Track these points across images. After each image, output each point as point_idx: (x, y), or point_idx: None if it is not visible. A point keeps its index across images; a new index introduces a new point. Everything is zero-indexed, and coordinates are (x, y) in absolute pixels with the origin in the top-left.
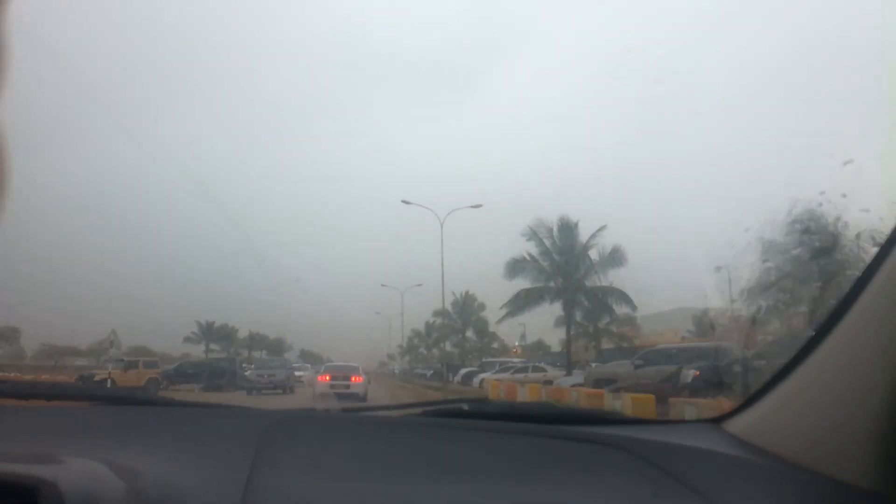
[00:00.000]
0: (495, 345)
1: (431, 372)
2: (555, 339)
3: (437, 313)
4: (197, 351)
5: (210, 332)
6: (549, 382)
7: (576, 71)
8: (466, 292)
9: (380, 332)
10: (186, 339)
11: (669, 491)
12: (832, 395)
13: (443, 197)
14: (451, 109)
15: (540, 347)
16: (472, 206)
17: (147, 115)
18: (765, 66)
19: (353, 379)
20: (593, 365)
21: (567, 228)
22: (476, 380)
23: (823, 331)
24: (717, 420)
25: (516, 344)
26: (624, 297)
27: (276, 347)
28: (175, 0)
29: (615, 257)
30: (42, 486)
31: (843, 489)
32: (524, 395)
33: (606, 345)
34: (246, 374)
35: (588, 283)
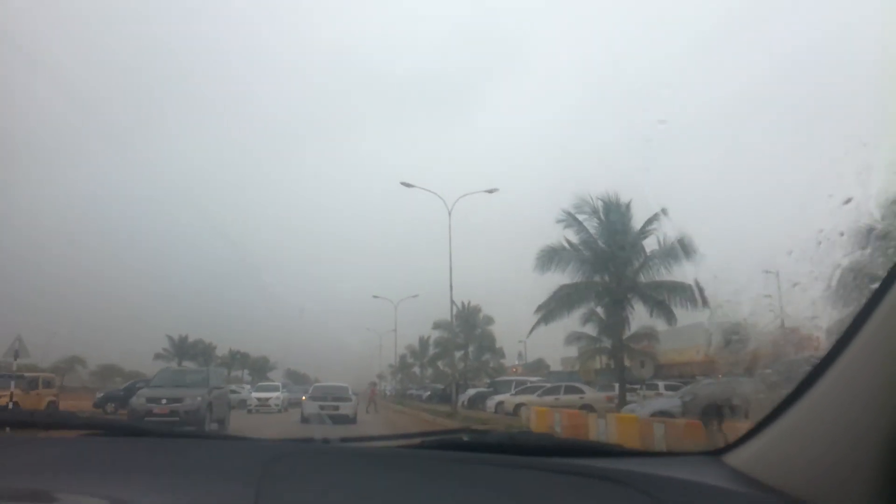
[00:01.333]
0: (495, 363)
1: (428, 393)
2: (556, 355)
3: (437, 325)
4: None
5: (183, 348)
6: (588, 407)
7: (568, 92)
8: (469, 303)
9: (370, 349)
10: (157, 356)
11: None
12: (834, 429)
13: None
14: (443, 130)
15: (540, 366)
16: (488, 191)
17: (139, 132)
18: (755, 96)
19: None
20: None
21: (616, 209)
22: (490, 402)
23: (824, 364)
24: (718, 452)
25: (516, 362)
26: (689, 296)
27: (260, 367)
28: (170, 22)
29: (683, 247)
30: None
31: None
32: (602, 430)
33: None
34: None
35: (643, 279)
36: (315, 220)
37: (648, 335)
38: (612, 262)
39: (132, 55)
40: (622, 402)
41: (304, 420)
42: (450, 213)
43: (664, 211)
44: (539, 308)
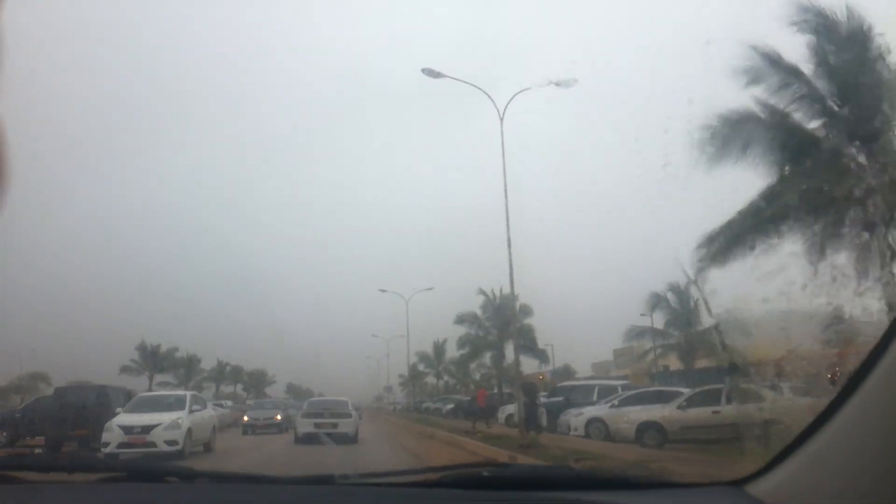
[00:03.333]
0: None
1: (450, 406)
2: (583, 360)
3: (462, 319)
4: (139, 384)
5: (155, 359)
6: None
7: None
8: (502, 290)
9: (375, 361)
10: (124, 369)
11: None
12: (860, 457)
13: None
14: (450, 137)
15: (567, 373)
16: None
17: (143, 147)
18: None
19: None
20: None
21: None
22: (574, 420)
23: (850, 389)
24: (739, 483)
25: (543, 369)
26: None
27: (256, 381)
28: (177, 33)
29: None
30: None
31: None
32: None
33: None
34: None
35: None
36: (319, 225)
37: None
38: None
39: (136, 64)
40: None
41: (299, 440)
42: None
43: None
44: (700, 244)
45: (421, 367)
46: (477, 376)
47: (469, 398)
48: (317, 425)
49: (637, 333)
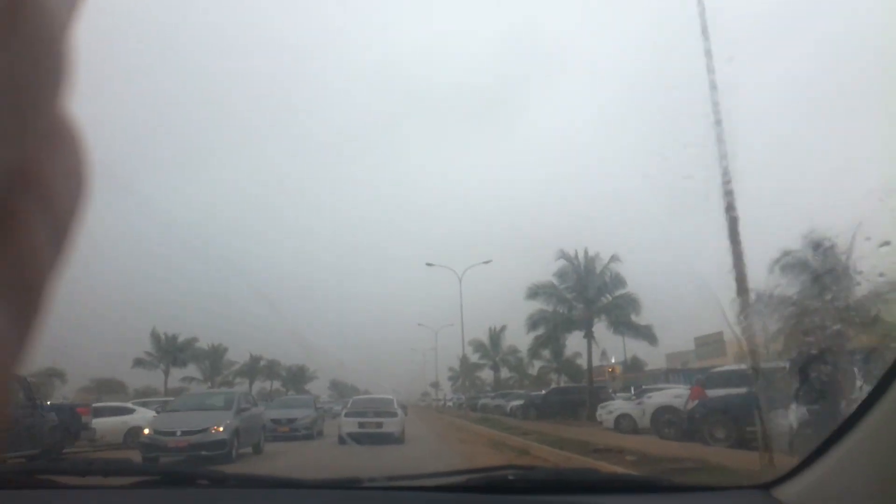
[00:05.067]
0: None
1: (516, 402)
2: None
3: (534, 291)
4: (155, 378)
5: (171, 351)
6: None
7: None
8: (585, 252)
9: (421, 354)
10: (138, 362)
11: None
12: (889, 462)
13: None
14: (488, 142)
15: (636, 366)
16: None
17: (181, 161)
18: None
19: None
20: None
21: None
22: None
23: (877, 393)
24: (767, 486)
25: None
26: None
27: (296, 378)
28: (206, 44)
29: None
30: None
31: None
32: None
33: None
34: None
35: None
36: (358, 237)
37: None
38: None
39: (173, 79)
40: None
41: (342, 441)
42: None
43: None
44: None
45: (475, 359)
46: (532, 370)
47: (543, 392)
48: (361, 424)
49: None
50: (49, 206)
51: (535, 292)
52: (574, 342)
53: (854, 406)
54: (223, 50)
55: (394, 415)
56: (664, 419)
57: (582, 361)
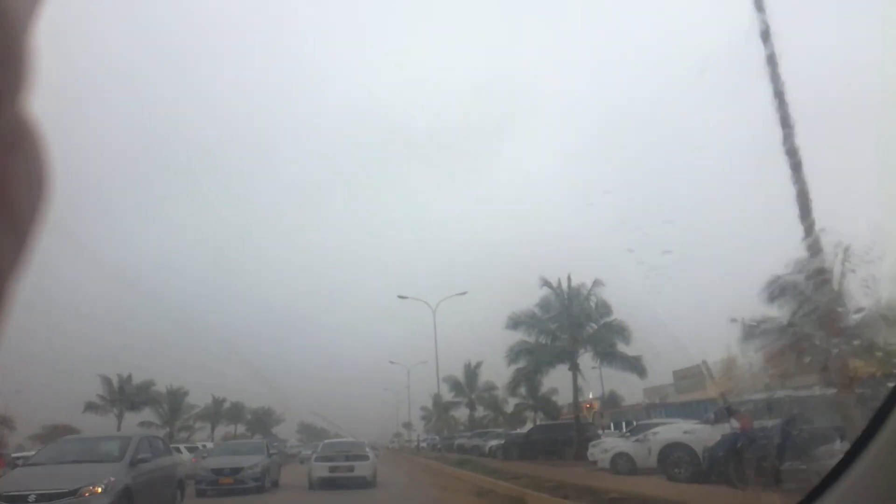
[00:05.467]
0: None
1: (495, 442)
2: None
3: (515, 321)
4: (107, 424)
5: (124, 394)
6: None
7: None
8: (570, 279)
9: (394, 394)
10: (90, 406)
11: None
12: (892, 491)
13: None
14: (461, 184)
15: (614, 401)
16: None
17: (156, 198)
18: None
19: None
20: None
21: None
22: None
23: (876, 423)
24: None
25: (590, 396)
26: None
27: (262, 421)
28: (185, 85)
29: None
30: None
31: None
32: None
33: None
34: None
35: None
36: (328, 274)
37: None
38: None
39: (148, 116)
40: None
41: (312, 487)
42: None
43: None
44: None
45: (449, 397)
46: (508, 407)
47: (527, 430)
48: (332, 469)
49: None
50: (9, 209)
51: (515, 322)
52: (552, 378)
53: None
54: (194, 84)
55: (365, 458)
56: (673, 458)
57: (558, 398)
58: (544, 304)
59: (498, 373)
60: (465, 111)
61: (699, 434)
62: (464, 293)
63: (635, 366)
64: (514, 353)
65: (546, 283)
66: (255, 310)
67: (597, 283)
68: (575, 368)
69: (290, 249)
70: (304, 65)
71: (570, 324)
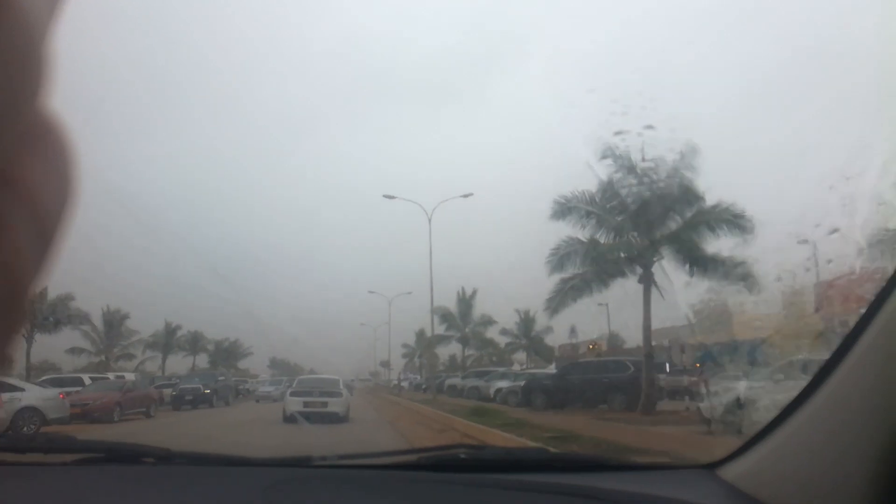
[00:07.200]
0: None
1: (505, 383)
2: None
3: (563, 208)
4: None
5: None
6: None
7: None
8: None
9: (372, 330)
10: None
11: None
12: (832, 443)
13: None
14: (450, 121)
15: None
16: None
17: (129, 128)
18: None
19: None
20: None
21: None
22: None
23: (821, 377)
24: (712, 466)
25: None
26: None
27: (228, 352)
28: (179, 13)
29: None
30: None
31: None
32: None
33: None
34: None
35: None
36: (309, 216)
37: None
38: None
39: (130, 52)
40: None
41: (287, 419)
42: None
43: None
44: None
45: (440, 331)
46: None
47: (559, 369)
48: (306, 403)
49: None
50: (32, 208)
51: (564, 209)
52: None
53: (797, 390)
54: (183, 19)
55: (339, 394)
56: None
57: (550, 340)
58: (605, 189)
59: (495, 305)
60: (453, 46)
61: None
62: (468, 195)
63: (743, 275)
64: (560, 258)
65: (610, 152)
66: (232, 238)
67: (689, 150)
68: (649, 278)
69: (272, 178)
70: None
71: (645, 213)
